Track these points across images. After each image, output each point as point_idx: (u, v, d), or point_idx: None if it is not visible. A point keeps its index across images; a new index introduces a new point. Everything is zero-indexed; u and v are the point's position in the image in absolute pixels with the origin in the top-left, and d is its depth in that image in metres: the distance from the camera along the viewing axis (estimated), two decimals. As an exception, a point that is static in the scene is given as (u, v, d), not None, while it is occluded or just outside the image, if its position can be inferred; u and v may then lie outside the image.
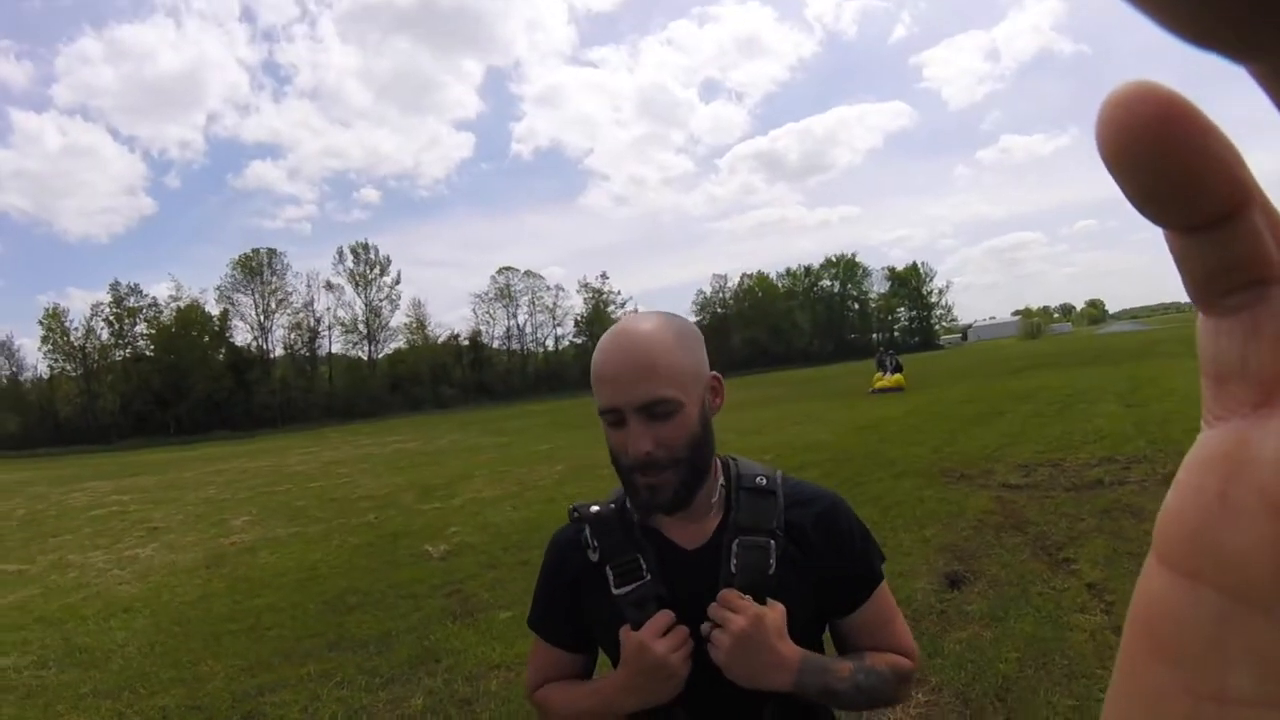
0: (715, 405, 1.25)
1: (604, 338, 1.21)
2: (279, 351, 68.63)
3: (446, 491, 11.65)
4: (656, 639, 1.17)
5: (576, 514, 1.33)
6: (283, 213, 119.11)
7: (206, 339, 63.77)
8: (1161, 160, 0.19)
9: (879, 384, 23.43)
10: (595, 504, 1.32)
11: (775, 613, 1.15)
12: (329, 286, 70.65)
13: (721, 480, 1.29)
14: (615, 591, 1.23)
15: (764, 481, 1.27)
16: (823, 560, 1.24)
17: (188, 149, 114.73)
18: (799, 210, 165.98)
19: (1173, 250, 0.21)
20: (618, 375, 1.15)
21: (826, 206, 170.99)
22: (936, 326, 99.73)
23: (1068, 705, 3.31)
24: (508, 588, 6.02)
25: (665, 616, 1.19)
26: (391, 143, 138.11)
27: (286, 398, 64.12)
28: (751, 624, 1.12)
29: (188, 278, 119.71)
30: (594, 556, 1.28)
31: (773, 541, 1.22)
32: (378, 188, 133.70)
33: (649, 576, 1.23)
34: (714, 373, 1.26)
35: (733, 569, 1.20)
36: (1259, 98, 0.18)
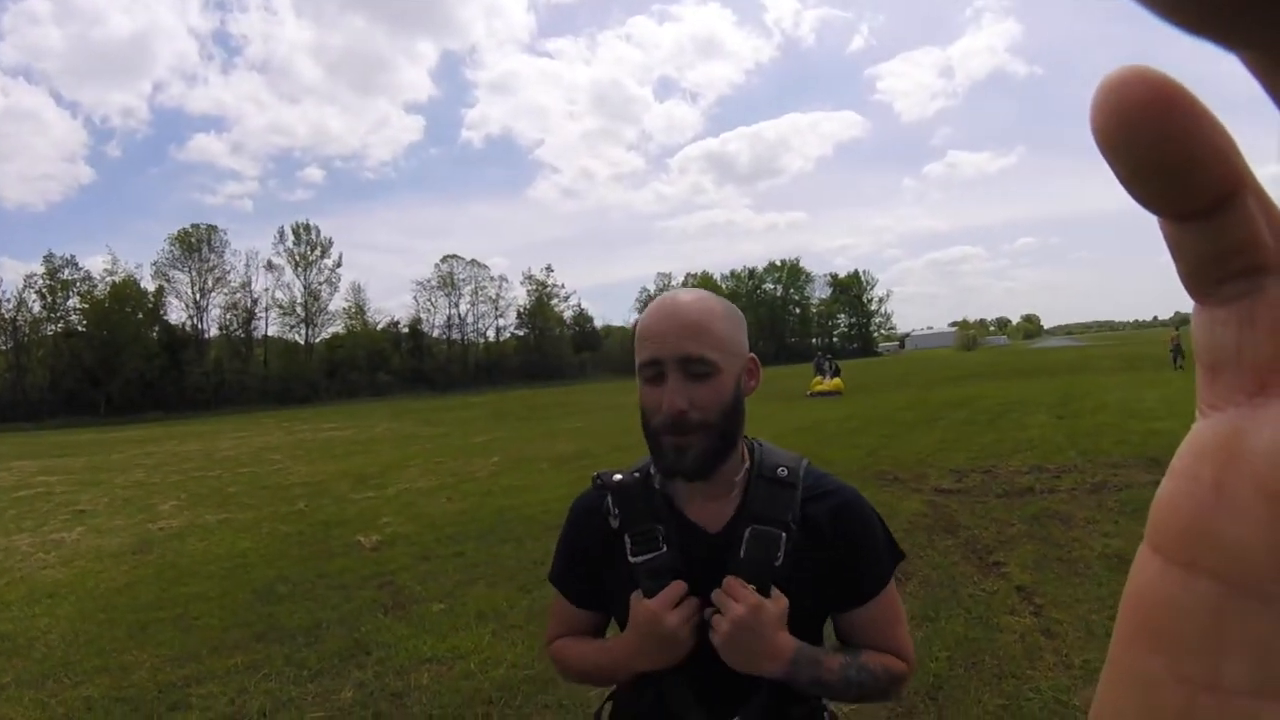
0: (750, 386, 1.29)
1: (651, 305, 1.25)
2: (214, 332, 67.07)
3: (380, 481, 11.51)
4: (668, 609, 1.20)
5: (600, 481, 1.36)
6: (224, 188, 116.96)
7: (140, 316, 61.94)
8: (1154, 144, 0.19)
9: (817, 388, 23.75)
10: (619, 472, 1.35)
11: (777, 604, 1.18)
12: (269, 267, 69.26)
13: (747, 464, 1.30)
14: (631, 559, 1.26)
15: (784, 473, 1.29)
16: (835, 553, 1.26)
17: (131, 117, 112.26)
18: (746, 214, 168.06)
19: (1167, 238, 0.21)
20: (664, 331, 1.19)
21: (774, 211, 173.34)
22: (875, 334, 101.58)
23: (997, 704, 3.38)
24: (440, 580, 5.95)
25: (678, 587, 1.21)
26: (340, 122, 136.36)
27: (220, 379, 62.67)
28: (751, 613, 1.15)
29: (124, 251, 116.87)
30: (614, 524, 1.31)
31: (784, 534, 1.23)
32: (323, 167, 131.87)
33: (665, 548, 1.25)
34: (752, 355, 1.29)
35: (741, 556, 1.22)
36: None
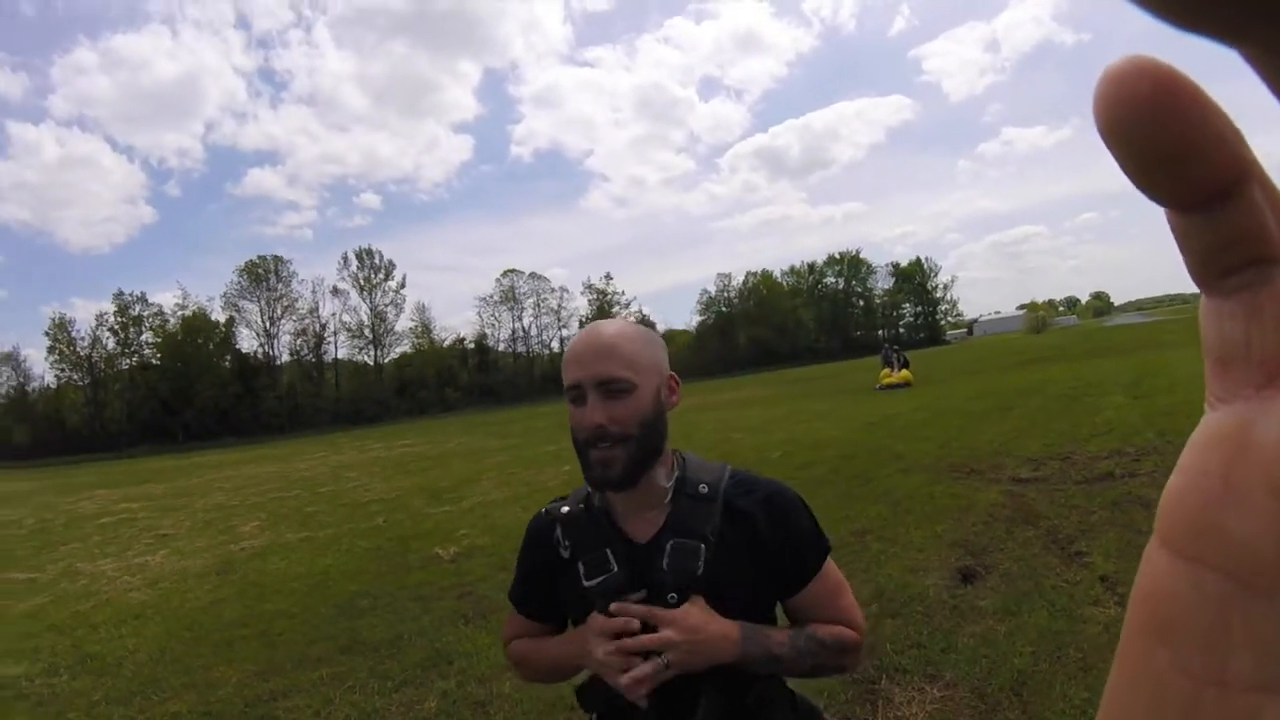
0: (671, 401, 1.40)
1: (575, 336, 1.40)
2: (285, 358, 69.10)
3: (455, 494, 11.65)
4: (602, 641, 1.29)
5: (548, 514, 1.48)
6: (283, 219, 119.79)
7: (212, 346, 64.00)
8: (1158, 134, 0.19)
9: (886, 380, 23.37)
10: (565, 503, 1.47)
11: (696, 606, 1.29)
12: (335, 292, 70.98)
13: (676, 475, 1.40)
14: (585, 584, 1.36)
15: (704, 489, 1.39)
16: (771, 541, 1.36)
17: (186, 157, 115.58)
18: (802, 208, 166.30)
19: (1174, 229, 0.21)
20: (581, 356, 1.32)
21: (830, 203, 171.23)
22: (942, 322, 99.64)
23: (1083, 698, 3.29)
24: (518, 589, 5.99)
25: (613, 623, 1.30)
26: (390, 147, 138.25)
27: (293, 404, 64.34)
28: (682, 632, 1.25)
29: (191, 286, 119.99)
30: (565, 554, 1.42)
31: (703, 545, 1.33)
32: (378, 192, 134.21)
33: (616, 569, 1.35)
34: (673, 373, 1.41)
35: (664, 566, 1.32)
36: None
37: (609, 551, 1.36)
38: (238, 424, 59.57)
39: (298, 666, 4.95)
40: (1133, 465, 7.16)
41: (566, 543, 1.41)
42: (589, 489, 1.42)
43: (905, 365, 24.28)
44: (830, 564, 1.42)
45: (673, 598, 1.30)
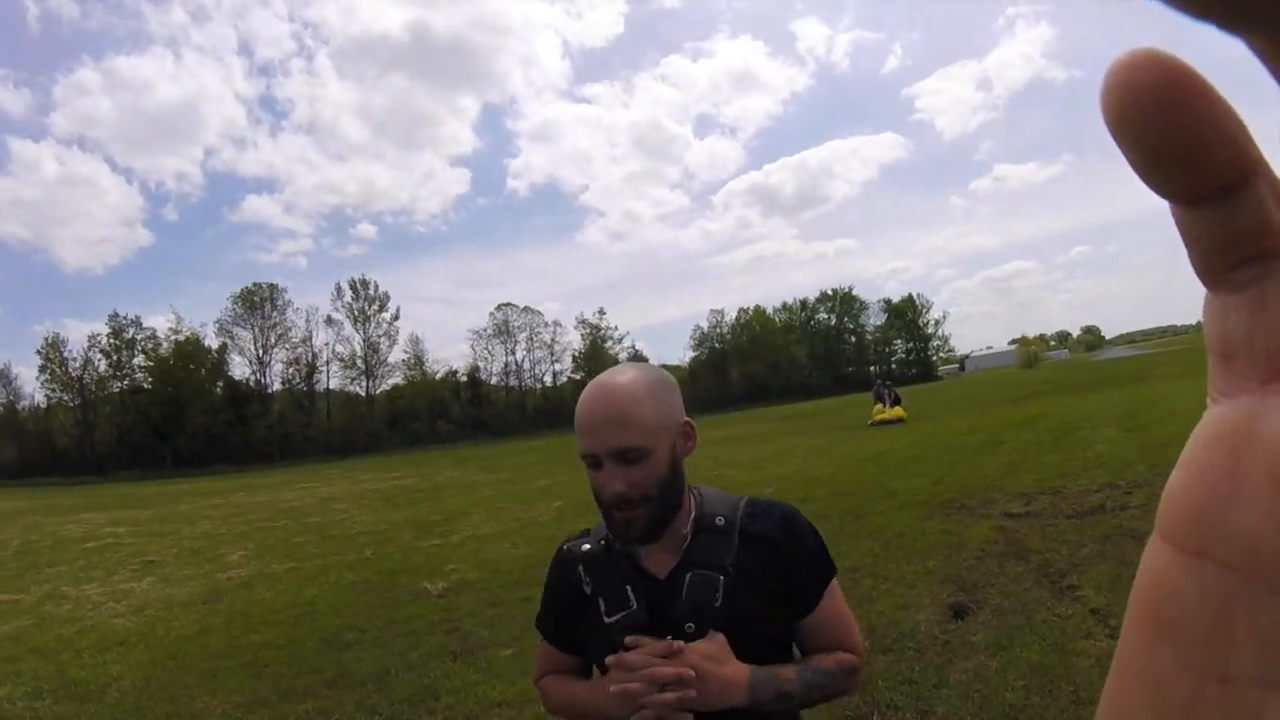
0: (687, 448, 1.41)
1: (585, 391, 1.37)
2: (277, 386, 68.98)
3: (445, 528, 11.58)
4: (619, 674, 1.29)
5: (569, 552, 1.51)
6: (279, 247, 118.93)
7: (204, 372, 63.87)
8: (1164, 126, 0.19)
9: (879, 416, 23.38)
10: (585, 540, 1.51)
11: (714, 645, 1.30)
12: (329, 322, 71.02)
13: (692, 513, 1.42)
14: (606, 620, 1.39)
15: (721, 522, 1.41)
16: (784, 563, 1.39)
17: (185, 181, 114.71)
18: (795, 244, 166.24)
19: (1178, 224, 0.21)
20: (594, 426, 1.31)
21: (822, 240, 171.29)
22: (934, 358, 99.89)
23: (1076, 734, 3.27)
24: (508, 625, 5.95)
25: (631, 658, 1.29)
26: (388, 178, 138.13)
27: (284, 433, 64.11)
28: (697, 669, 1.26)
29: (185, 310, 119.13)
30: (587, 590, 1.45)
31: (722, 577, 1.35)
32: (374, 223, 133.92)
33: (635, 606, 1.38)
34: (686, 419, 1.41)
35: (683, 598, 1.35)
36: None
37: (629, 589, 1.38)
38: (227, 451, 59.27)
39: (283, 699, 4.89)
40: (1124, 499, 7.16)
41: (588, 579, 1.44)
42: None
43: (897, 401, 24.31)
44: (836, 588, 1.44)
45: (690, 627, 1.32)
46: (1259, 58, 0.18)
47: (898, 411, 23.25)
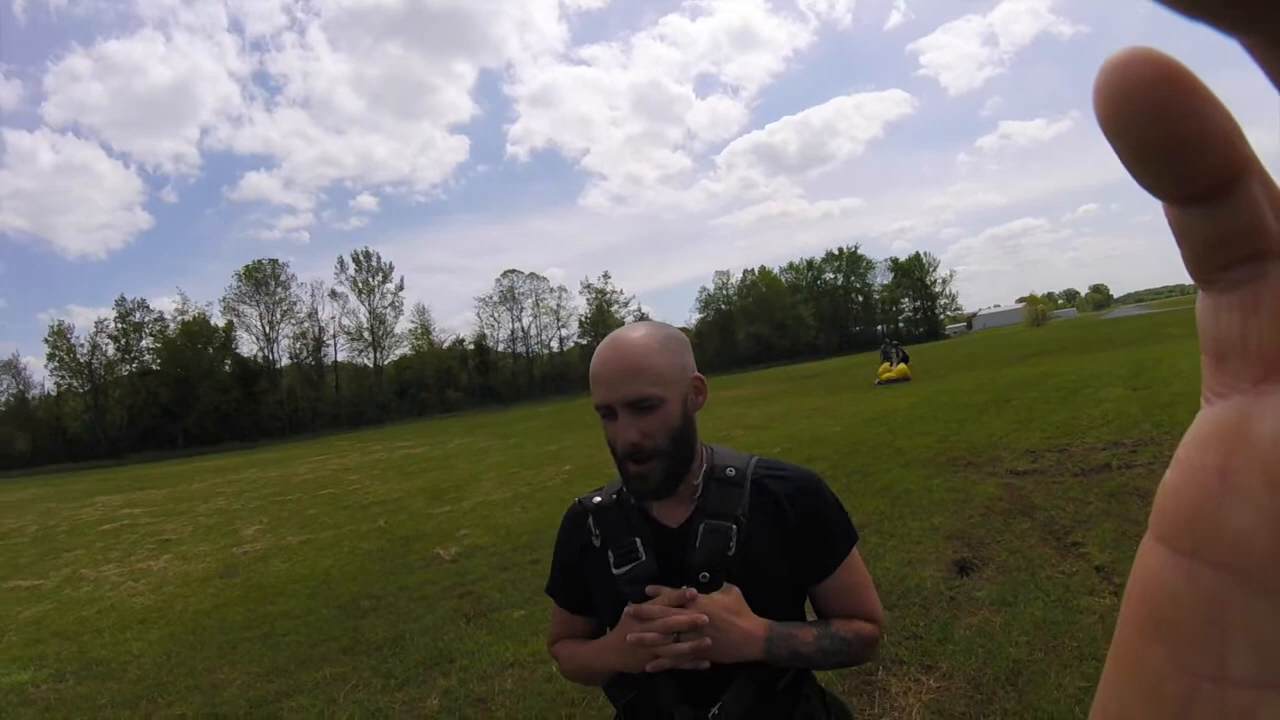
0: (698, 403, 1.42)
1: (599, 346, 1.39)
2: (285, 361, 69.18)
3: (456, 495, 11.71)
4: (632, 624, 1.31)
5: (580, 506, 1.52)
6: (280, 223, 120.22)
7: (212, 351, 64.07)
8: (1158, 126, 0.19)
9: (885, 375, 23.42)
10: (597, 494, 1.52)
11: (730, 596, 1.31)
12: (334, 295, 71.06)
13: (703, 466, 1.43)
14: (615, 571, 1.40)
15: (732, 472, 1.43)
16: (799, 527, 1.39)
17: (182, 162, 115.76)
18: (800, 203, 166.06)
19: (1171, 223, 0.21)
20: (608, 376, 1.33)
21: (828, 199, 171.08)
22: (941, 316, 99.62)
23: (1078, 687, 3.32)
24: (520, 588, 6.04)
25: (647, 608, 1.31)
26: (386, 149, 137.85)
27: (294, 407, 64.47)
28: (713, 618, 1.28)
29: (190, 291, 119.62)
30: (596, 542, 1.46)
31: (734, 526, 1.36)
32: (375, 194, 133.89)
33: (644, 557, 1.39)
34: (697, 374, 1.42)
35: (697, 547, 1.36)
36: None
37: (638, 540, 1.40)
38: (238, 428, 59.66)
39: (301, 667, 4.99)
40: (1130, 457, 7.19)
41: (597, 531, 1.45)
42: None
43: (904, 360, 24.34)
44: (856, 554, 1.44)
45: (704, 576, 1.33)
46: (1254, 58, 0.18)
47: (903, 369, 23.28)
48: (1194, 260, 0.21)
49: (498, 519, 9.13)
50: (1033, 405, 12.01)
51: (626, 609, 1.33)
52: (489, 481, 12.73)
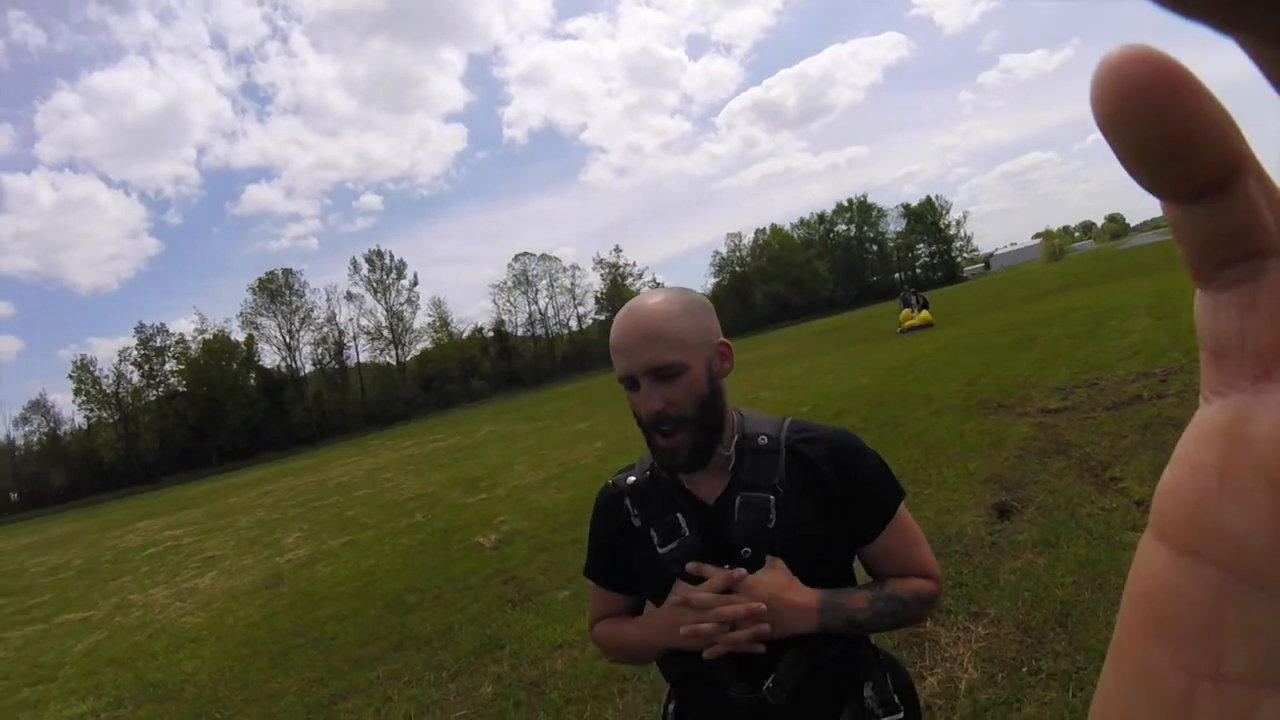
0: (724, 369, 1.37)
1: (617, 318, 1.35)
2: (309, 368, 69.73)
3: (490, 482, 11.78)
4: (687, 612, 1.29)
5: (615, 487, 1.49)
6: (287, 232, 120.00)
7: (236, 366, 64.67)
8: (1155, 124, 0.19)
9: (907, 323, 23.23)
10: (629, 473, 1.49)
11: (777, 572, 1.29)
12: (349, 297, 71.41)
13: (736, 436, 1.39)
14: (660, 550, 1.37)
15: (765, 440, 1.39)
16: (840, 488, 1.35)
17: (182, 184, 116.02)
18: (805, 158, 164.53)
19: (1169, 221, 0.21)
20: (629, 344, 1.30)
21: (832, 150, 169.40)
22: (958, 259, 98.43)
23: (1129, 621, 3.31)
24: (562, 569, 6.08)
25: (698, 595, 1.29)
26: (383, 146, 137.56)
27: (321, 412, 64.99)
28: (763, 599, 1.26)
29: (207, 310, 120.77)
30: (636, 523, 1.43)
31: (772, 497, 1.33)
32: (378, 193, 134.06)
33: (688, 533, 1.36)
34: (723, 339, 1.38)
35: (735, 521, 1.33)
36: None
37: (680, 516, 1.37)
38: (269, 439, 60.23)
39: (354, 668, 5.05)
40: (1160, 386, 7.10)
41: (636, 512, 1.42)
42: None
43: (925, 306, 24.13)
44: (904, 512, 1.39)
45: (746, 552, 1.30)
46: (1252, 59, 0.18)
47: (925, 316, 23.08)
48: (1192, 259, 0.21)
49: (534, 502, 9.19)
50: (1058, 342, 11.90)
51: (676, 594, 1.32)
52: (521, 466, 12.80)
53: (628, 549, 1.45)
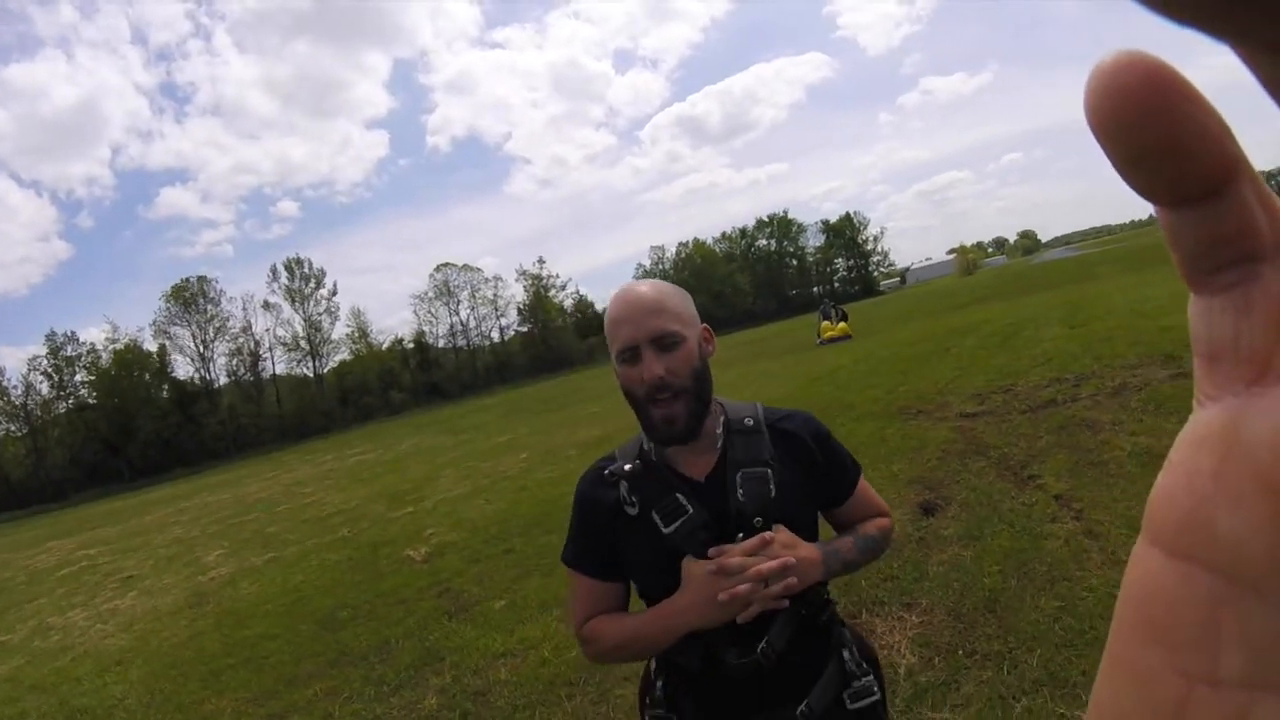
0: (709, 350, 1.51)
1: (613, 298, 1.46)
2: (223, 380, 67.37)
3: (416, 495, 11.64)
4: (716, 581, 1.35)
5: (608, 475, 1.51)
6: (201, 238, 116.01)
7: (148, 378, 62.24)
8: (1149, 129, 0.19)
9: (827, 334, 23.59)
10: (620, 462, 1.52)
11: (784, 535, 1.39)
12: (267, 306, 69.42)
13: (722, 416, 1.51)
14: (666, 531, 1.41)
15: (750, 422, 1.51)
16: (816, 459, 1.51)
17: (95, 185, 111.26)
18: (727, 173, 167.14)
19: (1163, 226, 0.21)
20: (632, 314, 1.40)
21: (754, 166, 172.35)
22: (875, 273, 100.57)
23: (1054, 606, 3.48)
24: (496, 579, 6.09)
25: (729, 562, 1.35)
26: (303, 150, 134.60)
27: (236, 426, 63.07)
28: (787, 558, 1.36)
29: (117, 319, 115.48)
30: (632, 510, 1.46)
31: (769, 470, 1.44)
32: (295, 199, 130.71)
33: (691, 509, 1.41)
34: (705, 324, 1.51)
35: (740, 498, 1.41)
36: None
37: (679, 496, 1.43)
38: (183, 454, 58.22)
39: (290, 686, 4.97)
40: (1073, 391, 7.41)
41: (633, 499, 1.46)
42: (638, 443, 1.52)
43: (844, 318, 24.56)
44: (860, 477, 1.60)
45: (758, 521, 1.40)
46: (1248, 66, 0.17)
47: (843, 327, 23.43)
48: (1185, 262, 0.21)
49: (462, 514, 9.13)
50: (973, 351, 12.25)
51: (709, 564, 1.36)
52: (447, 479, 12.67)
53: (619, 537, 1.49)
